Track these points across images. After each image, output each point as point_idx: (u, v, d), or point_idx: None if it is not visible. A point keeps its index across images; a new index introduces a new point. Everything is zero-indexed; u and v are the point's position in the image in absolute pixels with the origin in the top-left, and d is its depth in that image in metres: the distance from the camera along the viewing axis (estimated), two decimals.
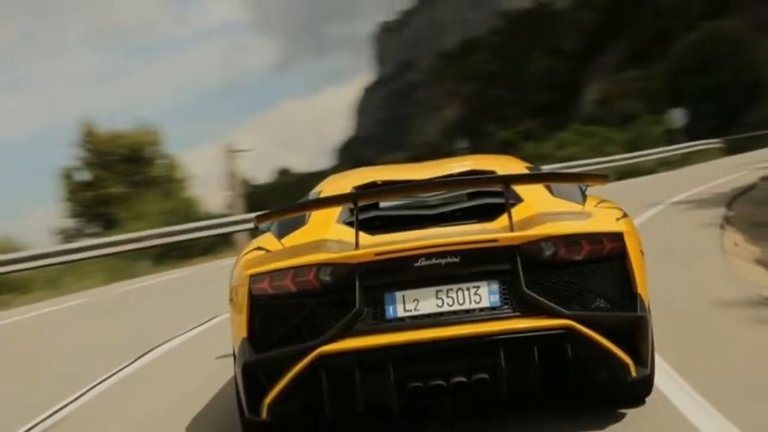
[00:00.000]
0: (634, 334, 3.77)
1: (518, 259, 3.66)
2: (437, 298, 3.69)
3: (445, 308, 3.68)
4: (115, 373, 6.91)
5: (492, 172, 4.52)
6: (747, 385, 4.37)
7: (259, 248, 4.18)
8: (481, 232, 3.85)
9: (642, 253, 3.95)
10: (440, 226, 4.03)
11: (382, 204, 4.37)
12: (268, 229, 4.52)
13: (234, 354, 4.08)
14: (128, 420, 5.51)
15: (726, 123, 38.76)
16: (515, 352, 3.60)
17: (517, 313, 3.65)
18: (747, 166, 22.24)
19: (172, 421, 5.05)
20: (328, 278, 3.70)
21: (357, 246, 3.76)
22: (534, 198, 4.12)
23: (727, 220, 12.03)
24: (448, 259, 3.65)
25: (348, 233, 3.94)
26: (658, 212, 14.26)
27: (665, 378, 4.47)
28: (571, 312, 3.63)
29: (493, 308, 3.67)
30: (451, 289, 3.69)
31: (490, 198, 4.21)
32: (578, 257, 3.70)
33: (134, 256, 20.25)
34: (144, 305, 12.83)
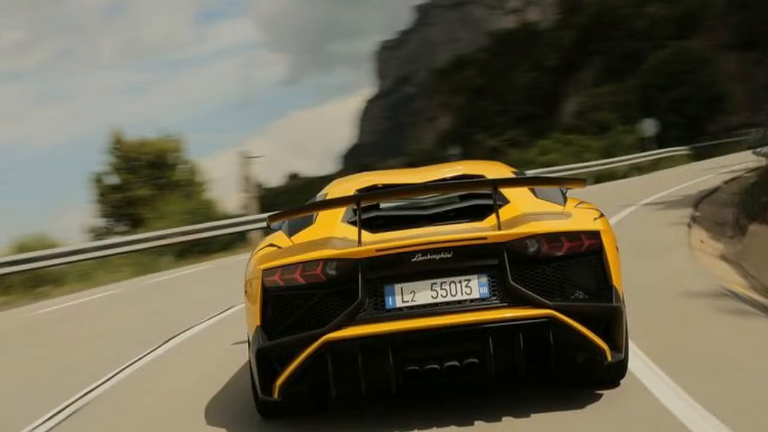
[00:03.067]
0: (610, 322, 3.76)
1: (505, 255, 3.65)
2: (432, 290, 3.68)
3: (439, 299, 3.67)
4: (148, 353, 6.95)
5: (481, 176, 4.50)
6: (710, 368, 4.35)
7: (271, 245, 4.17)
8: (472, 230, 3.83)
9: (617, 249, 3.94)
10: (435, 225, 4.02)
11: (383, 205, 4.35)
12: (279, 228, 4.50)
13: (248, 340, 4.07)
14: (160, 393, 5.56)
15: (691, 132, 38.77)
16: (502, 339, 3.60)
17: (505, 304, 3.64)
18: (711, 171, 22.23)
19: (195, 398, 5.04)
20: (333, 272, 3.69)
21: (359, 243, 3.76)
22: (519, 200, 4.10)
23: (694, 220, 12.02)
24: (442, 255, 3.65)
25: (351, 231, 3.93)
26: (632, 212, 14.24)
27: (635, 359, 4.46)
28: (553, 302, 3.62)
29: (482, 299, 3.66)
30: (445, 282, 3.68)
31: (479, 200, 4.19)
32: (559, 253, 3.69)
33: (159, 252, 20.28)
34: (169, 296, 12.81)
